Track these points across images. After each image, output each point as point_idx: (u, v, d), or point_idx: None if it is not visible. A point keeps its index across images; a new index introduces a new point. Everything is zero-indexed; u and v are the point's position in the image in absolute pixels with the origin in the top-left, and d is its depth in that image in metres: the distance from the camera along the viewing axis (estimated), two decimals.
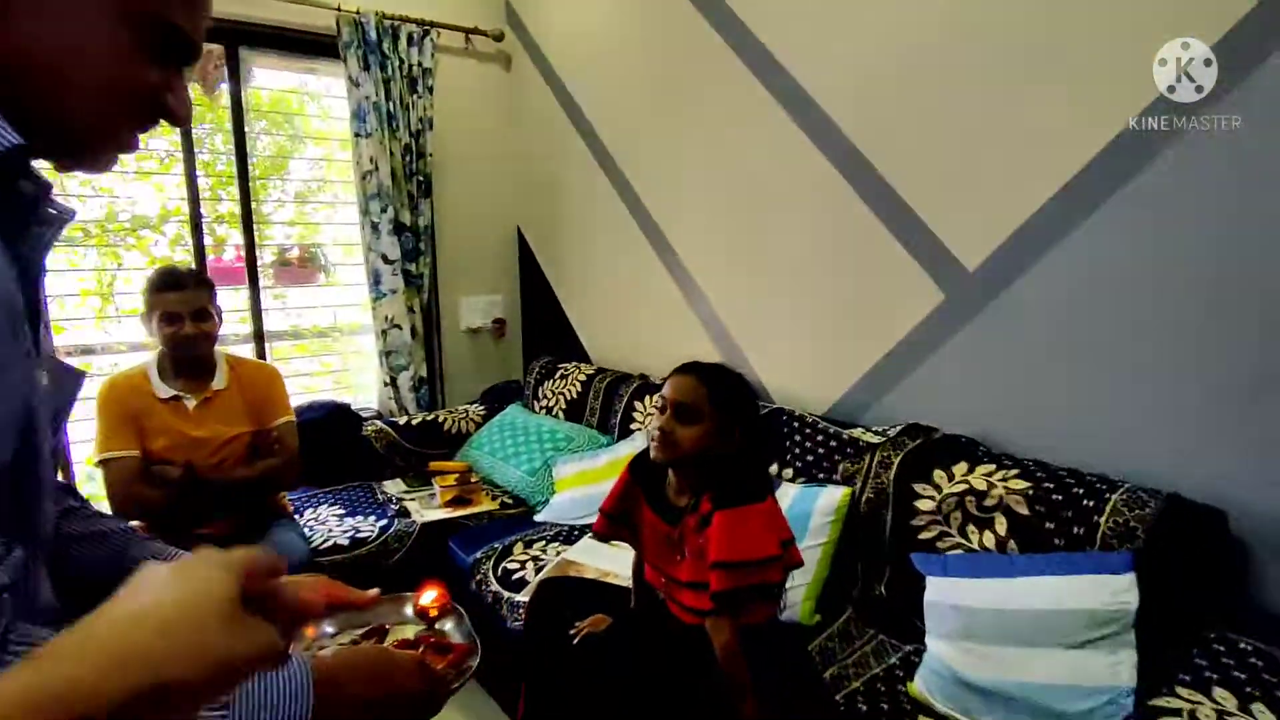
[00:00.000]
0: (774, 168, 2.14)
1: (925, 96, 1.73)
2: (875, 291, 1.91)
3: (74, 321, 2.66)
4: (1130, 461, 1.45)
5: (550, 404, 2.89)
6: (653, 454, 1.34)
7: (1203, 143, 1.32)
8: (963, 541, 1.52)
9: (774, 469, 1.96)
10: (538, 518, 2.36)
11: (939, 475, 1.60)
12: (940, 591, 1.45)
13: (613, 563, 1.96)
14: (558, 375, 2.92)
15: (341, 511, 2.34)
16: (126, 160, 3.15)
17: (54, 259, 2.60)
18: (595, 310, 3.03)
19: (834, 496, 1.75)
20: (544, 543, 2.13)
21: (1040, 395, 1.61)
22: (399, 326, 2.95)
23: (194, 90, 2.74)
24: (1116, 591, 1.25)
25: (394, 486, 2.60)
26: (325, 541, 2.11)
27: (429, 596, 0.81)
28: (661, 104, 2.52)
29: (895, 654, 1.54)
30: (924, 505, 1.60)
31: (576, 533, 2.19)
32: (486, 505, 2.44)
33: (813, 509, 1.75)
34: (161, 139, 2.93)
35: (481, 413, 3.01)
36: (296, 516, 2.21)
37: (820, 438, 1.89)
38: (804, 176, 2.04)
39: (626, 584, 1.77)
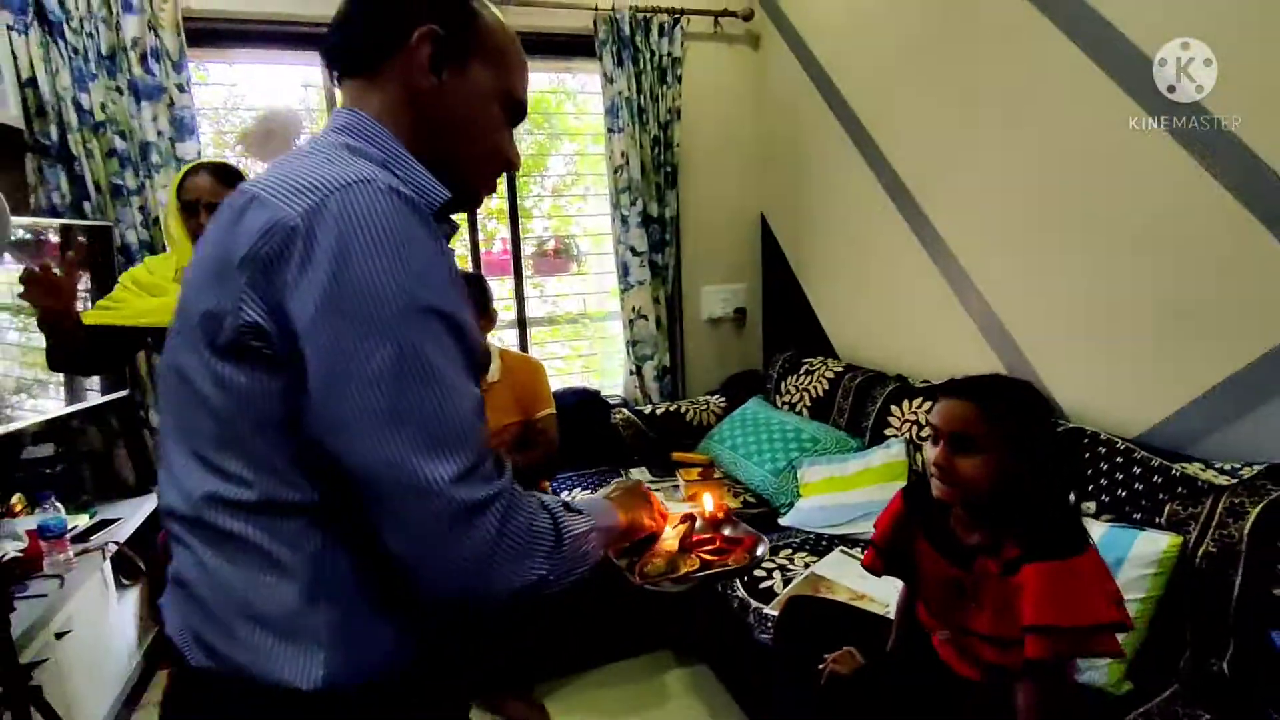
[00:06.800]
0: (1084, 140, 1.80)
1: None
2: (1227, 291, 1.52)
3: None
4: None
5: (794, 400, 2.77)
6: (935, 492, 1.19)
7: None
8: None
9: (1071, 498, 1.67)
10: (782, 521, 2.28)
11: None
12: None
13: (865, 583, 1.82)
14: (802, 370, 2.79)
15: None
16: None
17: None
18: (844, 303, 2.84)
19: (1157, 544, 1.44)
20: (790, 551, 2.04)
21: None
22: (645, 317, 3.02)
23: None
24: None
25: (639, 474, 2.67)
26: None
27: (710, 504, 1.00)
28: (933, 74, 2.25)
29: None
30: None
31: (824, 543, 2.08)
32: (729, 504, 2.41)
33: (1126, 556, 1.46)
34: None
35: (722, 404, 2.98)
36: None
37: (1136, 470, 1.57)
38: (1125, 146, 1.68)
39: (881, 612, 1.63)
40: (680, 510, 0.98)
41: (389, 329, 0.57)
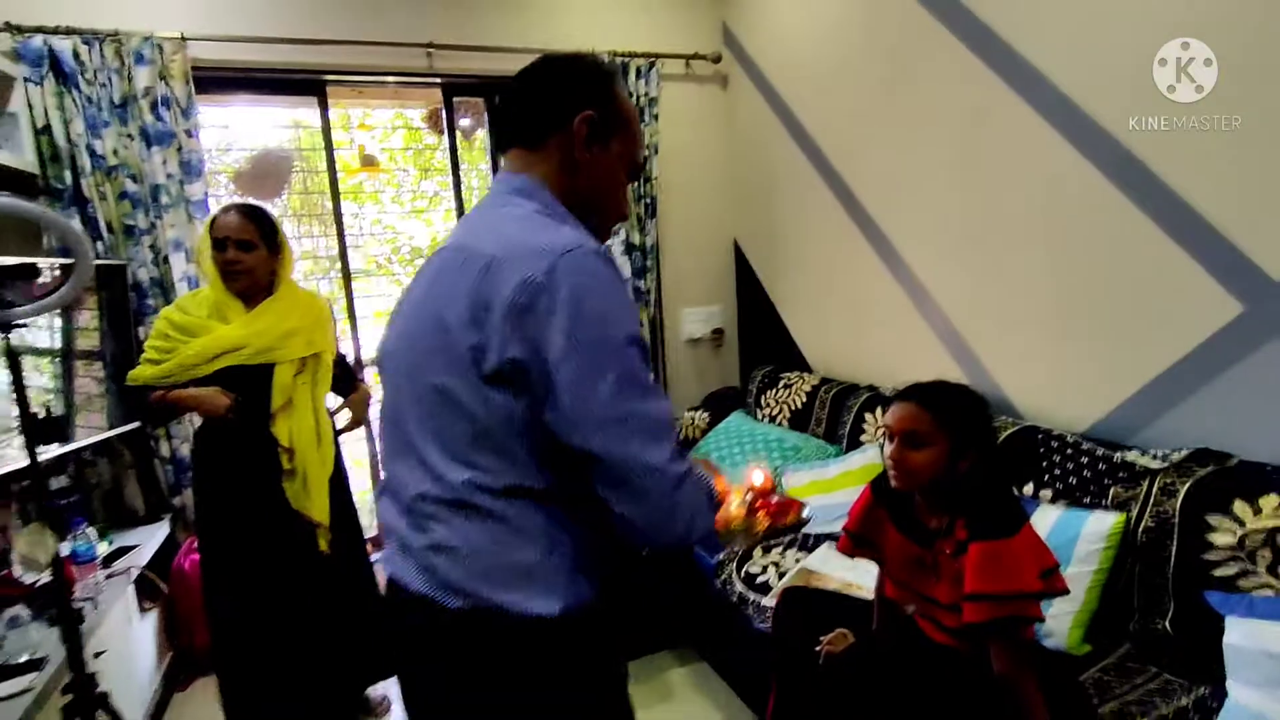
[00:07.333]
0: (1022, 170, 2.04)
1: (1228, 85, 1.57)
2: (1150, 303, 1.76)
3: (373, 335, 3.20)
4: None
5: (774, 412, 2.96)
6: (893, 483, 1.37)
7: None
8: (1273, 583, 1.38)
9: (1029, 489, 1.88)
10: None
11: (1241, 508, 1.45)
12: (1247, 635, 1.33)
13: (852, 573, 1.99)
14: (781, 384, 2.99)
15: None
16: (402, 200, 3.70)
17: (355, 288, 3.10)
18: (816, 320, 3.06)
19: (1104, 522, 1.65)
20: (781, 549, 2.21)
21: None
22: None
23: (459, 136, 3.15)
24: None
25: None
26: None
27: (760, 479, 1.14)
28: (886, 107, 2.50)
29: (1186, 695, 1.43)
30: (1220, 539, 1.47)
31: (811, 540, 2.25)
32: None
33: (1079, 534, 1.67)
34: (430, 181, 3.39)
35: (706, 419, 3.15)
36: None
37: (1084, 459, 1.79)
38: (1060, 181, 1.93)
39: (868, 596, 1.80)
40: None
41: (614, 356, 0.79)
